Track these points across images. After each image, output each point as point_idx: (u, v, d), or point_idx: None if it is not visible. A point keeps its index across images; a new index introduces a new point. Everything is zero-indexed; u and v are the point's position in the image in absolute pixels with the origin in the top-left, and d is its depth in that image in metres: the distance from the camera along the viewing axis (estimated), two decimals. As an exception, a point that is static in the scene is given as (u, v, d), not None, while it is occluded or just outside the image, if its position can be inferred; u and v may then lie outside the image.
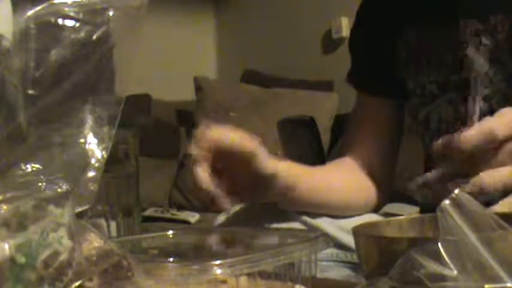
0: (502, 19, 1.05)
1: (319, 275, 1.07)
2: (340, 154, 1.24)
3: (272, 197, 1.03)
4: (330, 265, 1.08)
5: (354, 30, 1.26)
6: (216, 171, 0.96)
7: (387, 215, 1.19)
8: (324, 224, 1.10)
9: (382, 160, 1.20)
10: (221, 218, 1.19)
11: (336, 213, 1.12)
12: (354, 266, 1.07)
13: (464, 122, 1.07)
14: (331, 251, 1.08)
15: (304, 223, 1.09)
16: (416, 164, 1.34)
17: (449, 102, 1.10)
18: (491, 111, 1.06)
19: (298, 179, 1.04)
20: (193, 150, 0.96)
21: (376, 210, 1.20)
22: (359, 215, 1.15)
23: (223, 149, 0.95)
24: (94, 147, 0.55)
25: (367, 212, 1.17)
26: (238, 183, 0.98)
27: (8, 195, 0.52)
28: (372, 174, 1.18)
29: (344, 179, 1.16)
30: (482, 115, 1.06)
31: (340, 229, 1.10)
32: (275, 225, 1.07)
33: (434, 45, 1.11)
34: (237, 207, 1.17)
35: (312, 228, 1.08)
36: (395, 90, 1.18)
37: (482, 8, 1.07)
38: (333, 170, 1.19)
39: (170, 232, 0.82)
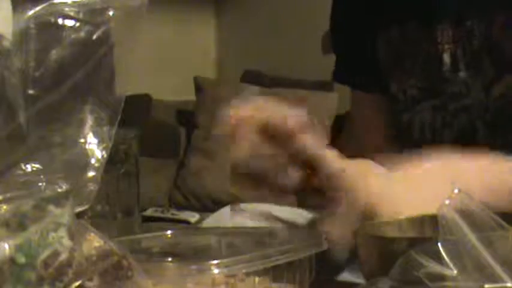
0: (477, 24, 1.01)
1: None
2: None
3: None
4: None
5: (334, 18, 1.23)
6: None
7: None
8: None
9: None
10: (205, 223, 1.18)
11: None
12: (354, 266, 1.07)
13: (452, 131, 1.05)
14: None
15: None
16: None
17: (434, 109, 1.08)
18: (471, 124, 1.03)
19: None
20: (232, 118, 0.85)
21: None
22: None
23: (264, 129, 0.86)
24: (94, 147, 0.55)
25: None
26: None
27: (8, 195, 0.52)
28: None
29: None
30: (463, 127, 1.04)
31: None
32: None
33: (415, 50, 1.09)
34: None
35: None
36: (378, 86, 1.16)
37: (457, 13, 1.03)
38: None
39: (170, 232, 0.82)
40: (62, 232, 0.51)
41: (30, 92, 0.54)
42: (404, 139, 1.12)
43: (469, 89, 1.03)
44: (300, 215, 1.11)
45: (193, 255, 0.79)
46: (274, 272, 0.67)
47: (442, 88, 1.06)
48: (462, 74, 1.03)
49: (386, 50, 1.12)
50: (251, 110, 0.87)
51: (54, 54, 0.54)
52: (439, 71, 1.05)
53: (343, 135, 1.32)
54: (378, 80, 1.15)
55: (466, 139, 1.01)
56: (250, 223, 1.06)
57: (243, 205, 1.18)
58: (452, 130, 1.05)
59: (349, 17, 1.18)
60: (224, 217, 1.14)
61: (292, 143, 0.86)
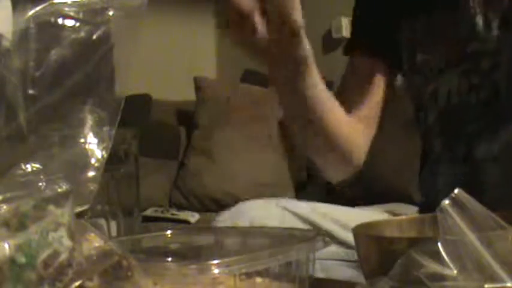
0: None
1: (322, 275, 1.07)
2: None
3: (295, 64, 1.00)
4: (334, 264, 1.08)
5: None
6: None
7: (389, 213, 1.20)
8: (320, 218, 1.10)
9: (367, 118, 1.20)
10: (222, 217, 1.19)
11: (332, 142, 1.10)
12: (358, 265, 1.07)
13: (478, 93, 1.08)
14: (336, 249, 1.08)
15: (302, 219, 1.09)
16: (414, 161, 1.34)
17: (462, 74, 1.10)
18: (496, 84, 1.07)
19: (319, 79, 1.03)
20: None
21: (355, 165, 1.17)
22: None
23: None
24: (94, 147, 0.55)
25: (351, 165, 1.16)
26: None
27: (8, 195, 0.52)
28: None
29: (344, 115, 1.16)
30: (490, 88, 1.07)
31: (334, 223, 1.10)
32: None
33: (448, 16, 1.11)
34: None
35: (311, 224, 1.08)
36: (393, 53, 1.18)
37: None
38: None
39: (170, 232, 0.82)
40: (62, 232, 0.51)
41: (30, 92, 0.54)
42: (429, 108, 1.14)
43: (502, 46, 1.07)
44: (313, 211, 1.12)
45: (193, 255, 0.79)
46: (275, 272, 0.67)
47: (475, 50, 1.08)
48: (495, 32, 1.08)
49: (416, 22, 1.14)
50: None
51: (54, 54, 0.54)
52: (472, 32, 1.09)
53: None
54: (399, 53, 1.16)
55: (492, 101, 1.04)
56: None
57: (259, 201, 1.18)
58: (479, 93, 1.07)
59: None
60: (240, 213, 1.14)
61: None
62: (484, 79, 1.08)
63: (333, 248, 1.08)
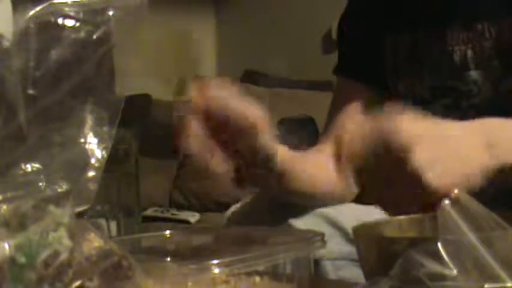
0: (488, 26, 1.05)
1: (333, 274, 1.07)
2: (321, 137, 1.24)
3: (266, 179, 0.99)
4: (345, 264, 1.08)
5: (345, 17, 1.25)
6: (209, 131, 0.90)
7: None
8: (341, 216, 1.09)
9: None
10: (231, 210, 1.18)
11: (319, 204, 1.11)
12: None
13: None
14: (349, 249, 1.07)
15: (321, 216, 1.09)
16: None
17: (445, 108, 1.10)
18: None
19: (292, 165, 1.02)
20: (187, 109, 0.89)
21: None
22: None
23: (222, 115, 0.89)
24: (94, 147, 0.55)
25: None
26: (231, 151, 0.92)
27: (8, 195, 0.52)
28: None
29: (326, 170, 1.15)
30: None
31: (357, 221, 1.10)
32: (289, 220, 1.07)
33: (428, 51, 1.11)
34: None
35: (330, 222, 1.08)
36: (379, 77, 1.18)
37: (468, 16, 1.07)
38: (317, 159, 1.17)
39: (169, 232, 0.82)
40: (62, 232, 0.51)
41: (30, 92, 0.54)
42: None
43: (480, 88, 1.06)
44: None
45: (193, 255, 0.79)
46: (274, 272, 0.67)
47: (453, 87, 1.08)
48: (472, 73, 1.07)
49: (397, 52, 1.14)
50: (216, 92, 0.91)
51: (54, 54, 0.54)
52: (449, 70, 1.08)
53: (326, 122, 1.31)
54: (384, 79, 1.16)
55: None
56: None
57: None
58: None
59: (362, 16, 1.20)
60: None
61: (247, 137, 0.90)
62: (464, 118, 1.07)
63: (347, 248, 1.08)
